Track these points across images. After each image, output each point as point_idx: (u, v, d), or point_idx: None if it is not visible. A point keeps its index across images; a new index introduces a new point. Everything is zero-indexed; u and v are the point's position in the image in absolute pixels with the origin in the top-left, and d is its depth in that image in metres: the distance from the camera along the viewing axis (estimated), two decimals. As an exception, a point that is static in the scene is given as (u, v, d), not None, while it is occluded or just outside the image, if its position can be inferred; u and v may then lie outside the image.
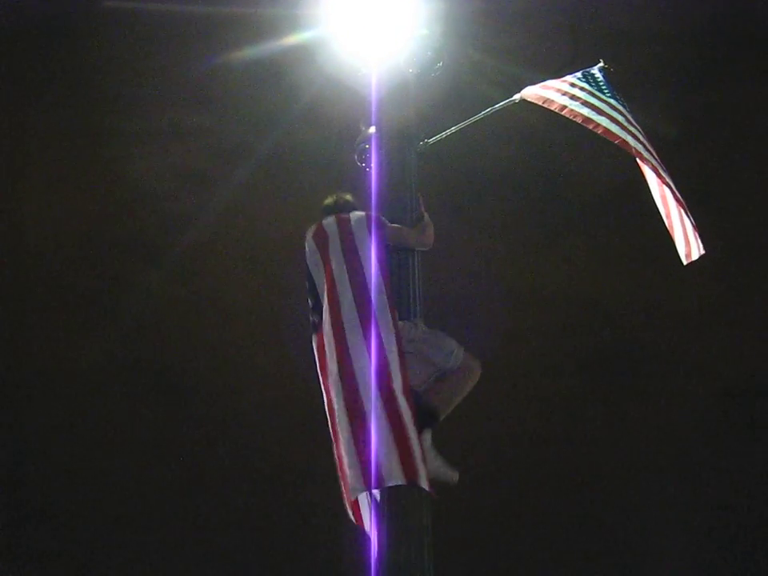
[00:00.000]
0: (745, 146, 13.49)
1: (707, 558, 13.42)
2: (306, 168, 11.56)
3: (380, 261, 5.71)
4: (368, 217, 5.99)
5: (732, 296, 13.64)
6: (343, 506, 5.55)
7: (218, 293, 13.38)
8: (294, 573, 12.85)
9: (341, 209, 6.24)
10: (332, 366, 5.48)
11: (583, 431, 13.53)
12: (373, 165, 6.72)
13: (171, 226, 13.10)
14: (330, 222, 6.04)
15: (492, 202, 12.87)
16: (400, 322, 5.75)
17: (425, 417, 5.41)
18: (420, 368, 5.66)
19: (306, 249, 6.04)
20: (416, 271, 6.25)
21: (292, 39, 7.34)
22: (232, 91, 11.09)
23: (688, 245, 6.26)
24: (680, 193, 6.07)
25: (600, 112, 6.23)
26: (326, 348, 5.58)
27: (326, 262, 5.82)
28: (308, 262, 5.99)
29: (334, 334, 5.51)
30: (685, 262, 6.32)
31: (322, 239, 5.95)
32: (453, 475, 5.54)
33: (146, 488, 13.23)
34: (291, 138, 10.65)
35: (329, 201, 6.40)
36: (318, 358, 5.76)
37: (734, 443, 13.75)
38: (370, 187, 6.66)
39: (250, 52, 9.02)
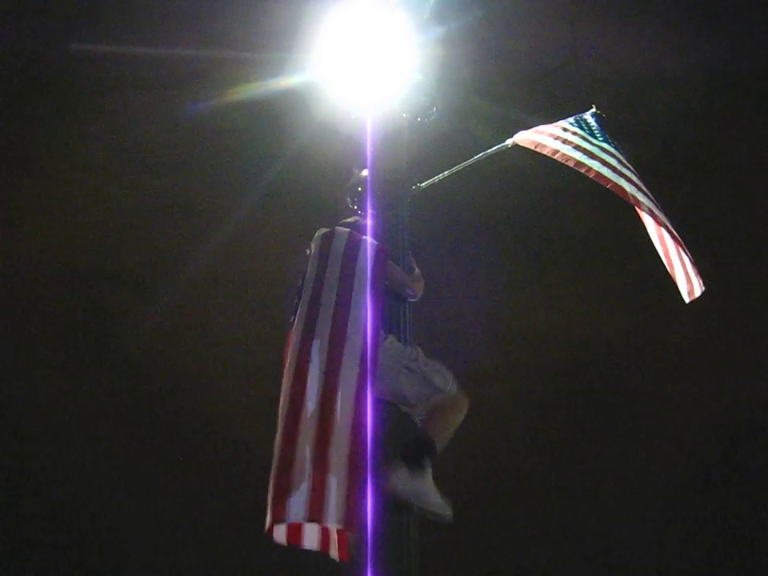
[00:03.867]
0: (734, 187, 13.59)
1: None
2: (299, 208, 11.60)
3: (375, 285, 5.73)
4: (378, 246, 6.01)
5: (721, 335, 13.67)
6: None
7: (208, 328, 13.36)
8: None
9: (358, 230, 6.31)
10: (286, 377, 5.44)
11: (571, 471, 13.51)
12: (366, 207, 6.77)
13: (161, 260, 13.09)
14: (343, 230, 6.10)
15: (482, 241, 12.91)
16: (400, 344, 5.88)
17: (423, 450, 5.52)
18: (420, 387, 5.76)
19: (312, 245, 6.07)
20: (407, 312, 6.30)
21: (284, 82, 7.37)
22: (225, 132, 11.16)
23: (689, 282, 6.26)
24: (677, 231, 6.09)
25: (592, 156, 6.27)
26: (289, 353, 5.55)
27: (323, 263, 5.85)
28: (309, 261, 6.03)
29: (301, 347, 5.45)
30: (687, 300, 6.31)
31: (328, 239, 5.99)
32: (448, 513, 5.54)
33: (136, 520, 13.15)
34: (285, 179, 10.70)
35: (350, 220, 6.51)
36: (284, 356, 5.71)
37: (724, 482, 13.76)
38: (362, 230, 6.69)
39: (242, 95, 9.06)
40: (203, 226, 12.41)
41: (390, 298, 6.10)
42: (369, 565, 5.28)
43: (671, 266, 6.44)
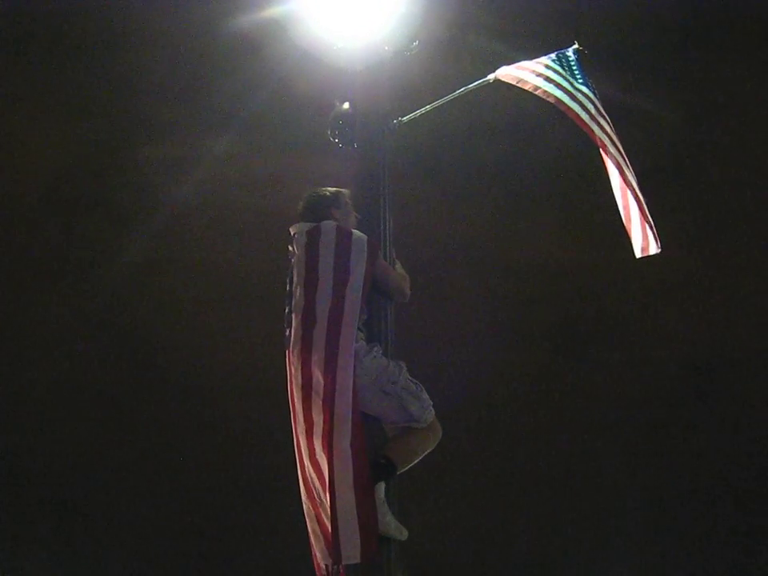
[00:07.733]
0: (723, 120, 13.57)
1: (667, 534, 13.68)
2: (282, 140, 11.52)
3: (363, 288, 5.58)
4: (369, 242, 5.79)
5: (700, 268, 13.78)
6: None
7: (189, 256, 13.33)
8: (259, 537, 12.96)
9: (336, 207, 6.06)
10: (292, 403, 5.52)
11: (550, 401, 13.69)
12: (346, 141, 6.74)
13: (142, 187, 13.04)
14: (329, 225, 5.82)
15: (465, 169, 12.89)
16: (384, 360, 5.63)
17: (380, 469, 5.36)
18: (394, 413, 5.56)
19: (295, 243, 5.87)
20: (389, 313, 6.06)
21: (267, 12, 7.27)
22: (208, 61, 11.03)
23: (645, 239, 6.25)
24: (640, 189, 6.13)
25: (572, 97, 6.32)
26: (292, 374, 5.54)
27: (313, 264, 5.67)
28: (295, 257, 5.84)
29: (302, 367, 5.44)
30: (638, 255, 6.27)
31: (315, 237, 5.77)
32: (403, 532, 5.46)
33: (113, 450, 13.26)
34: (267, 108, 10.60)
35: (325, 193, 6.14)
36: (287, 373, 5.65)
37: (699, 413, 13.98)
38: (343, 163, 6.69)
39: (224, 25, 8.96)
40: (185, 153, 12.34)
41: (376, 297, 5.87)
42: None
43: (628, 219, 6.40)
